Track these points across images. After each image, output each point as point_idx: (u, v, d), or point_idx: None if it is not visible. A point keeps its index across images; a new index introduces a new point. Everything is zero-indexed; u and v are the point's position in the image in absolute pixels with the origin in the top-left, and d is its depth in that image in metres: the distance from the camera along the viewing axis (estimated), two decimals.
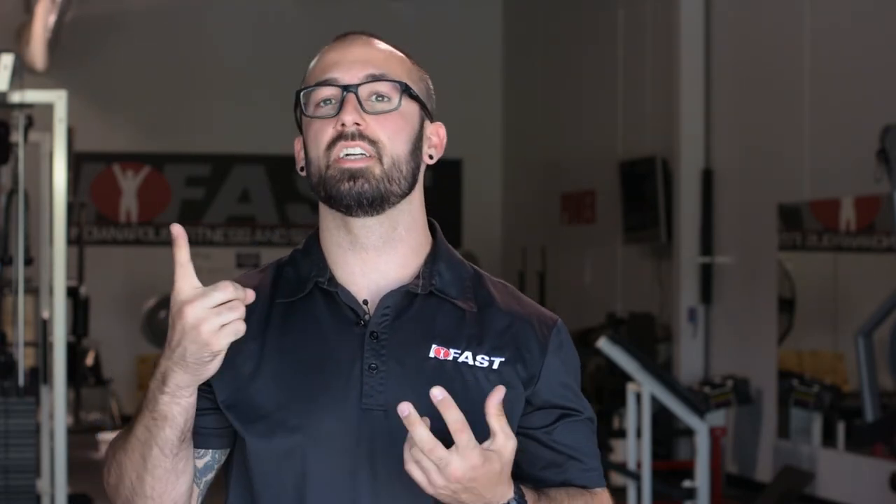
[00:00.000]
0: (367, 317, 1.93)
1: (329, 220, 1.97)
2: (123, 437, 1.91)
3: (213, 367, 1.80)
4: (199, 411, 1.92)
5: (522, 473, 1.97)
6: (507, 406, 1.88)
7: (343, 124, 1.89)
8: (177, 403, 1.83)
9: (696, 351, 9.75)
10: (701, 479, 7.59)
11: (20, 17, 11.42)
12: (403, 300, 1.94)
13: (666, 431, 9.39)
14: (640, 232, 10.71)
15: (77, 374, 11.34)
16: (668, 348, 10.06)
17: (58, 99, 6.31)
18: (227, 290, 1.76)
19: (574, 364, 2.01)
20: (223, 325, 1.76)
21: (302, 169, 1.98)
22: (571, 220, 12.34)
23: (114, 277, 13.11)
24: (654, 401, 7.69)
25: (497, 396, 1.76)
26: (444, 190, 13.23)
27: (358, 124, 1.89)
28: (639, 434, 7.63)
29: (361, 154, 1.90)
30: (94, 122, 12.77)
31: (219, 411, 1.94)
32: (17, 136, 6.66)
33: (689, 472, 8.06)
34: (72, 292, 10.04)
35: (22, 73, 6.59)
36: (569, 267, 12.20)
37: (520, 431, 1.94)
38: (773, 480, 8.51)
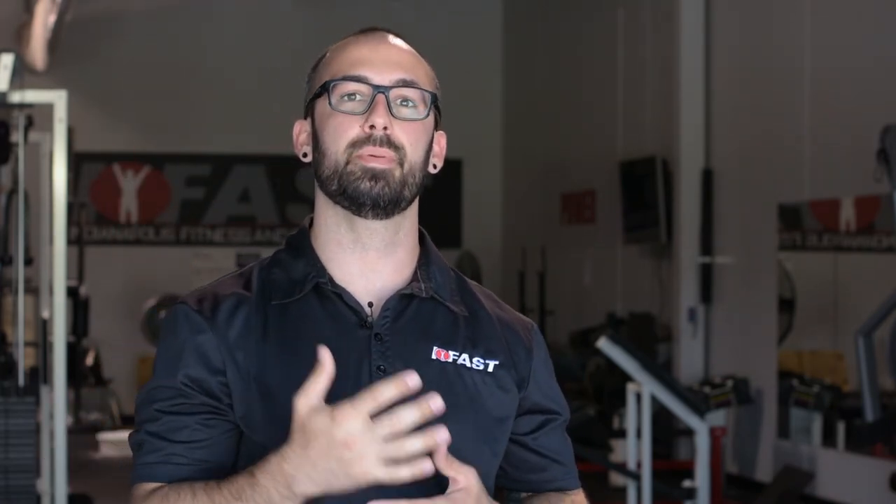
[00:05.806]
0: (370, 319, 1.93)
1: (331, 216, 1.95)
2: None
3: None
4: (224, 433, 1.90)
5: (507, 476, 2.04)
6: (503, 410, 1.96)
7: (373, 126, 1.89)
8: None
9: (696, 351, 9.75)
10: (701, 479, 7.59)
11: (20, 17, 11.41)
12: (401, 302, 1.94)
13: (666, 431, 9.38)
14: (640, 232, 10.71)
15: (77, 374, 11.33)
16: (668, 348, 10.05)
17: (58, 99, 6.31)
18: (409, 415, 1.71)
19: (551, 364, 2.07)
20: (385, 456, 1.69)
21: (305, 155, 1.97)
22: (571, 220, 12.34)
23: (114, 277, 13.10)
24: (654, 401, 7.68)
25: (440, 452, 1.76)
26: (444, 190, 13.22)
27: (386, 128, 1.89)
28: (639, 434, 7.62)
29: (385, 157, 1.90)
30: (94, 122, 12.77)
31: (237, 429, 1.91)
32: (17, 136, 6.65)
33: (689, 472, 8.06)
34: (72, 292, 10.03)
35: (22, 73, 6.58)
36: (569, 267, 12.20)
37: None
38: (773, 480, 8.51)
